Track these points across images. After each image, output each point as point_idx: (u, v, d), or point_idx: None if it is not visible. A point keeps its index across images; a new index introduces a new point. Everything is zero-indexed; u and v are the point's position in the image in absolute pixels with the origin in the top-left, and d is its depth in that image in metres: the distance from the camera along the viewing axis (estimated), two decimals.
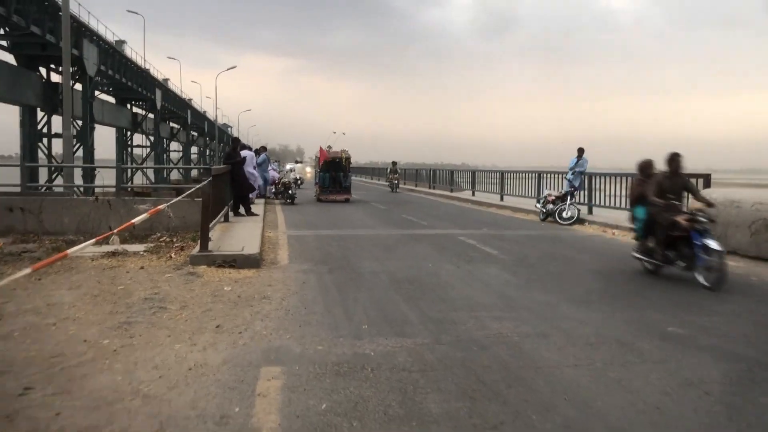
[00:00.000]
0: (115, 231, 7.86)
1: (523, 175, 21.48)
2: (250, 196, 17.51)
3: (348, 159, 25.11)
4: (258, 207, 17.14)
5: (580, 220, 15.35)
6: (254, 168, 18.52)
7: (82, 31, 32.62)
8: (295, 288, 7.33)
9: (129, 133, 53.66)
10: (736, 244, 10.18)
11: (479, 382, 4.23)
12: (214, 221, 10.42)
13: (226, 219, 13.04)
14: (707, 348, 5.08)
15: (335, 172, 24.71)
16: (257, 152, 22.94)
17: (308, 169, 52.49)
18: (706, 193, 11.38)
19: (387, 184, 35.28)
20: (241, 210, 14.51)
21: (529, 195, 20.25)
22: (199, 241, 8.76)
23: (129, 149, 55.26)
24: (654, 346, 5.09)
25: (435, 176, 33.29)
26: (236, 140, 15.29)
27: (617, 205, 15.62)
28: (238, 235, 10.84)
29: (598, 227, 14.55)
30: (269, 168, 23.52)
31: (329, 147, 25.83)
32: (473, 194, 25.60)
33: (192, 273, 7.99)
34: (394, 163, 34.87)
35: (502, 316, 6.04)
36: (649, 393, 4.07)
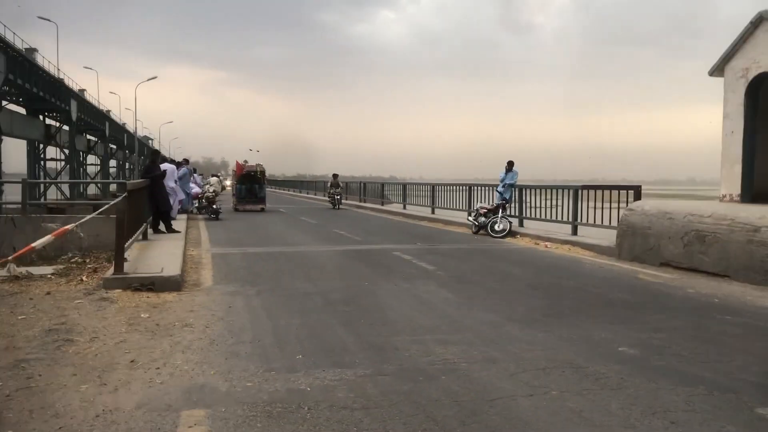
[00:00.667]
0: (10, 258, 7.00)
1: (454, 187, 21.40)
2: (171, 211, 16.63)
3: (263, 172, 27.89)
4: (180, 223, 16.27)
5: (512, 233, 15.28)
6: (175, 182, 17.62)
7: None
8: (220, 313, 6.72)
9: (42, 146, 50.82)
10: (669, 255, 10.22)
11: (430, 420, 3.79)
12: (131, 240, 9.63)
13: (145, 237, 12.20)
14: (663, 370, 4.83)
15: (251, 185, 27.30)
16: (179, 165, 21.99)
17: (227, 182, 51.15)
18: (636, 204, 11.46)
19: (328, 199, 30.84)
20: (162, 227, 13.66)
21: (461, 208, 20.15)
22: (113, 263, 8.00)
23: (42, 163, 52.29)
24: (609, 369, 4.79)
25: (366, 189, 32.90)
26: (156, 153, 14.44)
27: (548, 217, 15.66)
28: (158, 254, 10.07)
29: (530, 240, 14.49)
30: (191, 182, 22.52)
31: (245, 161, 29.00)
32: (404, 207, 25.37)
33: (105, 298, 7.23)
34: (335, 176, 30.44)
35: (446, 339, 5.64)
36: (614, 426, 3.73)
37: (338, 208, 28.17)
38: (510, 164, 16.83)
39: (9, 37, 34.71)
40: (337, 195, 29.04)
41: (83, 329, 5.88)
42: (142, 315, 6.52)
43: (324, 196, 35.59)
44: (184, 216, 19.68)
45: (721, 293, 8.13)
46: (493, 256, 11.92)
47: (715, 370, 4.84)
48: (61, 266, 9.55)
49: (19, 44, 36.75)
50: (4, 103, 40.45)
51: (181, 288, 7.97)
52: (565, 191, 15.01)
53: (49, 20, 56.71)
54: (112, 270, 7.98)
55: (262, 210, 26.37)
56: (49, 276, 8.60)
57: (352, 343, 5.51)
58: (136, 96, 62.66)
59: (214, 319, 6.45)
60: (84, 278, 8.29)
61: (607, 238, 12.68)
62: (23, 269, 8.85)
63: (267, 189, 29.56)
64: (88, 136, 68.77)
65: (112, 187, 51.36)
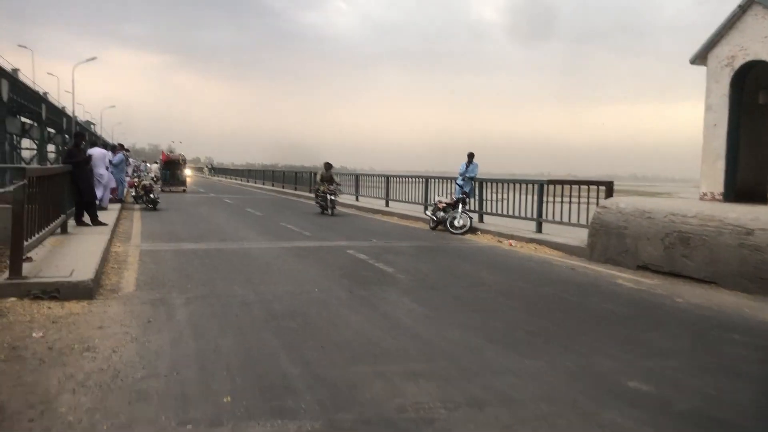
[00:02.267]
0: None
1: (410, 180, 20.30)
2: (99, 201, 15.06)
3: (185, 160, 35.55)
4: (111, 214, 14.71)
5: (472, 229, 14.31)
6: (107, 168, 16.01)
7: None
8: (135, 331, 5.44)
9: None
10: (647, 258, 9.36)
11: None
12: (40, 235, 8.20)
13: (65, 231, 10.70)
14: (692, 417, 3.83)
15: (174, 170, 33.63)
16: (114, 151, 20.29)
17: (187, 171, 49.46)
18: (610, 202, 10.59)
19: (314, 199, 21.66)
20: (87, 219, 12.14)
21: (417, 201, 19.10)
22: (9, 264, 6.58)
23: None
24: (627, 417, 3.76)
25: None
26: (79, 135, 12.82)
27: (510, 212, 14.74)
28: (74, 252, 8.65)
29: (492, 237, 13.53)
30: (127, 168, 20.78)
31: (171, 151, 36.96)
32: (357, 199, 24.18)
33: None
34: (328, 166, 20.72)
35: (417, 370, 4.52)
36: None
37: (333, 214, 19.13)
38: (470, 156, 15.83)
39: None
40: (331, 194, 19.44)
41: None
42: (34, 334, 5.19)
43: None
44: (118, 206, 18.06)
45: (713, 304, 7.27)
46: (456, 256, 10.88)
47: (749, 414, 3.87)
48: None
49: None
50: None
51: (93, 295, 6.63)
52: (530, 186, 14.11)
53: None
54: (6, 274, 6.58)
55: (184, 191, 32.20)
56: None
57: (298, 377, 4.33)
58: (73, 77, 59.58)
59: (126, 339, 5.17)
60: None
61: (576, 236, 11.82)
62: None
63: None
64: (23, 119, 65.10)
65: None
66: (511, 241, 12.67)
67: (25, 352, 4.71)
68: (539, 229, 13.16)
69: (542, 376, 4.49)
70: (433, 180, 18.61)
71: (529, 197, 13.95)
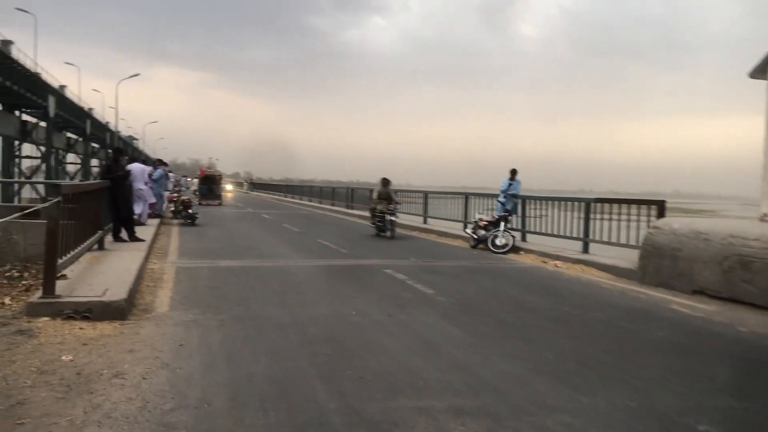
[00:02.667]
0: None
1: (449, 196, 19.93)
2: (138, 217, 15.08)
3: (220, 176, 40.11)
4: (148, 230, 14.69)
5: (515, 248, 13.88)
6: (146, 184, 16.06)
7: None
8: (166, 355, 5.22)
9: (17, 143, 48.77)
10: (704, 282, 8.83)
11: None
12: (76, 252, 8.09)
13: (102, 247, 10.64)
14: None
15: (210, 185, 37.06)
16: (155, 167, 20.45)
17: (228, 186, 50.91)
18: (663, 222, 10.09)
19: (370, 219, 18.47)
20: (124, 235, 12.10)
21: (455, 218, 18.73)
22: (43, 282, 6.45)
23: (18, 160, 50.19)
24: None
25: (354, 195, 31.37)
26: (118, 150, 12.85)
27: (554, 231, 14.29)
28: (109, 269, 8.54)
29: (535, 257, 13.08)
30: (167, 183, 20.87)
31: (209, 167, 41.63)
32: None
33: (23, 331, 5.70)
34: (386, 182, 18.21)
35: (462, 407, 4.18)
36: None
37: (393, 237, 16.70)
38: (513, 173, 15.44)
39: None
40: (390, 214, 16.96)
41: None
42: (64, 357, 5.00)
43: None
44: (156, 221, 18.10)
45: None
46: (498, 277, 10.49)
47: None
48: None
49: None
50: None
51: (125, 315, 6.45)
52: (575, 204, 13.64)
53: (27, 12, 54.57)
54: (40, 292, 6.45)
55: (220, 204, 35.08)
56: None
57: (335, 412, 4.03)
58: (117, 93, 60.71)
59: (157, 364, 4.95)
60: (6, 301, 6.73)
61: (625, 258, 11.29)
62: None
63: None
64: (68, 134, 66.76)
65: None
66: (556, 262, 12.20)
67: (53, 378, 4.52)
68: (586, 249, 12.66)
69: (601, 416, 4.10)
70: (472, 197, 18.22)
71: (573, 214, 13.50)
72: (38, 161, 52.47)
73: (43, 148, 50.75)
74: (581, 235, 12.91)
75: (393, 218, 17.01)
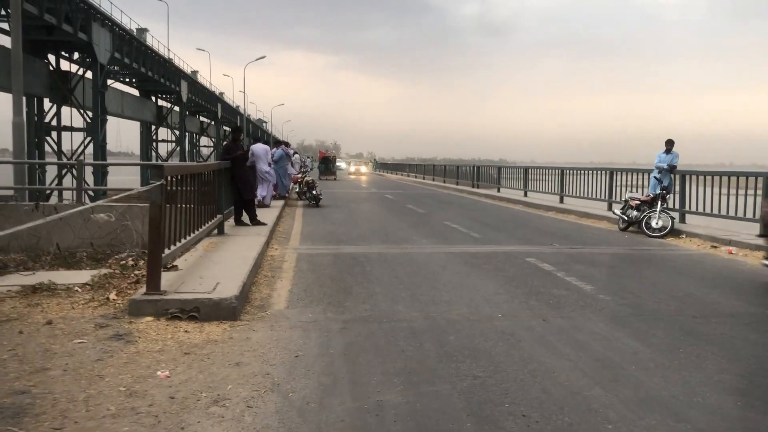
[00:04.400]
0: None
1: (589, 172, 18.04)
2: (263, 199, 14.62)
3: (335, 157, 52.49)
4: (271, 212, 14.17)
5: (673, 231, 12.02)
6: (269, 165, 15.57)
7: (91, 14, 29.85)
8: (278, 371, 4.28)
9: (154, 127, 51.30)
10: None
11: None
12: (190, 239, 7.45)
13: (221, 231, 10.09)
14: None
15: (327, 164, 47.70)
16: (276, 147, 20.10)
17: (363, 168, 58.72)
18: None
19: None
20: (245, 218, 11.56)
21: (598, 197, 16.90)
22: (148, 277, 5.75)
23: (154, 144, 52.87)
24: None
25: (479, 173, 29.88)
26: (236, 130, 12.27)
27: (718, 212, 12.31)
28: (225, 258, 7.86)
29: (701, 242, 11.20)
30: (288, 164, 20.43)
31: (326, 150, 64.34)
32: (525, 195, 22.24)
33: (121, 335, 4.98)
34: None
35: None
36: None
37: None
38: (670, 144, 13.44)
39: (116, 15, 34.31)
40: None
41: (49, 406, 3.60)
42: (159, 373, 4.18)
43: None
44: (281, 203, 17.70)
45: None
46: (665, 267, 8.86)
47: None
48: (104, 271, 7.50)
49: (126, 23, 36.40)
50: (117, 84, 40.68)
51: (237, 315, 5.63)
52: (749, 179, 11.59)
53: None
54: (144, 288, 5.76)
55: (335, 179, 44.44)
56: (75, 288, 6.52)
57: None
58: (245, 76, 62.18)
59: (266, 385, 4.01)
60: (112, 296, 6.11)
61: None
62: (50, 275, 6.89)
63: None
64: (201, 118, 69.71)
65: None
66: (730, 247, 10.30)
67: (142, 403, 3.68)
68: (765, 233, 10.61)
69: None
70: (617, 173, 16.32)
71: (736, 192, 11.56)
72: (173, 144, 54.94)
73: (177, 132, 53.03)
74: (757, 216, 10.89)
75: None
